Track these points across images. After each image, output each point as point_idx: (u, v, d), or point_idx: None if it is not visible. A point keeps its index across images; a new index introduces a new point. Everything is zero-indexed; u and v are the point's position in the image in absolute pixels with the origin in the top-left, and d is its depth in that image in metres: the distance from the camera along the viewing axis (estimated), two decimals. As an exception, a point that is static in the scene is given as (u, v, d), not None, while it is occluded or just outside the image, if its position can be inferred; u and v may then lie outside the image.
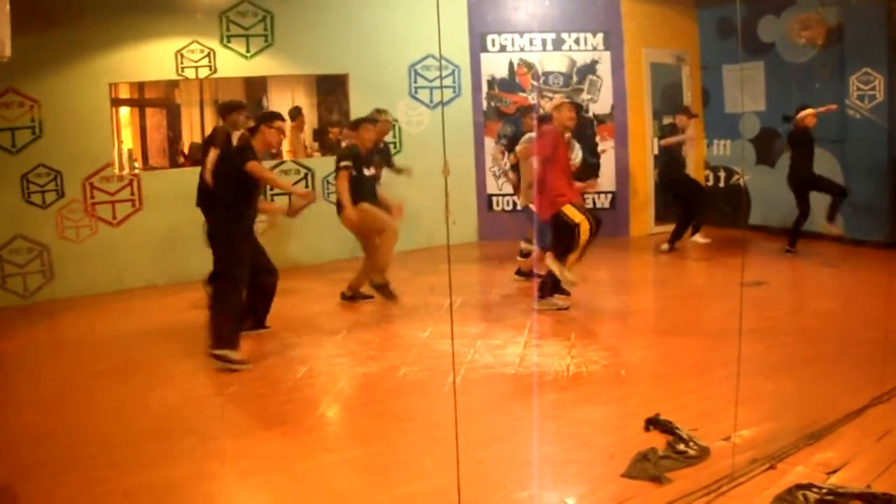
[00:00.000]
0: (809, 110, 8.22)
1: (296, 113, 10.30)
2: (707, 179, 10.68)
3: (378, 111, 7.47)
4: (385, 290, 6.91)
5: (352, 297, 7.08)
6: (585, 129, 9.66)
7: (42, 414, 4.60)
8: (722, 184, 10.50)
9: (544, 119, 7.08)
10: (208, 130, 11.32)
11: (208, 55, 8.32)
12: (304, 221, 8.88)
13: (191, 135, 11.25)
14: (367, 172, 6.79)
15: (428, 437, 4.03)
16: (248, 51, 8.52)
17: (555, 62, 9.91)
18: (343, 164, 6.70)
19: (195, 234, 8.22)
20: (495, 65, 9.92)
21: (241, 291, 5.51)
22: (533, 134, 7.20)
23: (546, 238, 6.95)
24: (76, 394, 4.97)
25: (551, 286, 6.50)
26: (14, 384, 5.28)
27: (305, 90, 11.09)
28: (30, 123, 7.54)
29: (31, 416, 4.57)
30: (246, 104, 7.66)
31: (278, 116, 5.74)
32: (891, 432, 3.83)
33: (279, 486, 3.59)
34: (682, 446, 3.68)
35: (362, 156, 6.79)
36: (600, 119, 9.96)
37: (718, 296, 7.09)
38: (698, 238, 9.16)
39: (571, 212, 6.19)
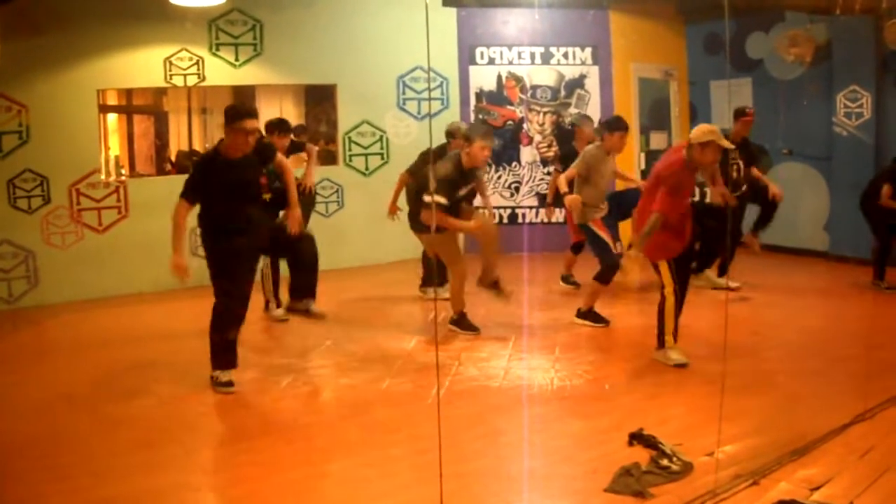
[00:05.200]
0: None
1: (300, 130, 9.87)
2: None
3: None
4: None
5: (493, 285, 6.42)
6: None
7: (24, 421, 4.56)
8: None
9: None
10: (196, 138, 11.36)
11: (197, 63, 8.31)
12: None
13: (178, 142, 11.23)
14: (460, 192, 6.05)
15: (412, 449, 4.02)
16: (236, 59, 8.51)
17: (543, 76, 9.95)
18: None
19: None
20: (484, 77, 9.94)
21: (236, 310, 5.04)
22: (592, 147, 6.69)
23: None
24: (59, 401, 4.93)
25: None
26: (-5, 391, 5.23)
27: (294, 100, 11.08)
28: (17, 128, 7.49)
29: (13, 423, 4.53)
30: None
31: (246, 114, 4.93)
32: (874, 449, 3.85)
33: (262, 497, 3.57)
34: (665, 461, 3.69)
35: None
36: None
37: (703, 310, 7.10)
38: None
39: (664, 270, 5.39)
